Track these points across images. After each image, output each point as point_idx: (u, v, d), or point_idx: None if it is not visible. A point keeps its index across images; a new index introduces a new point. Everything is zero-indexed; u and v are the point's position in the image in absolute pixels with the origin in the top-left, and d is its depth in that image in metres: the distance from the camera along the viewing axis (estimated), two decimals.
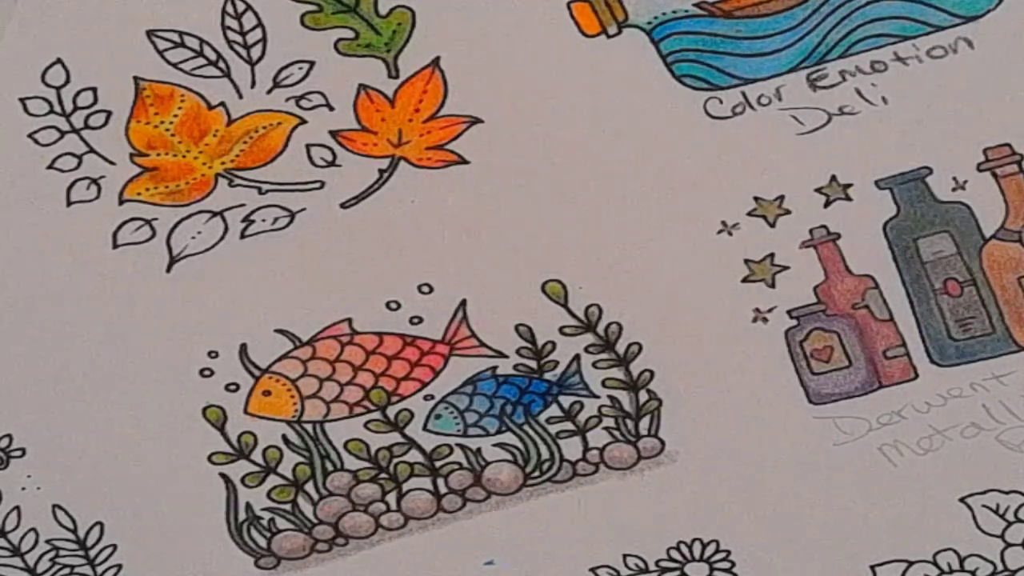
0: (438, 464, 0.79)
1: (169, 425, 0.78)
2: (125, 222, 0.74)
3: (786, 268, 0.75)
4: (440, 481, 0.80)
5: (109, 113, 0.72)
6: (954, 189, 0.73)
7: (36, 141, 0.73)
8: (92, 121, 0.72)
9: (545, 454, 0.79)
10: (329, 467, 0.79)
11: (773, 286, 0.75)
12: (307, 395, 0.78)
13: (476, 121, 0.73)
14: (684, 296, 0.75)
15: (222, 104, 0.72)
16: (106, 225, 0.74)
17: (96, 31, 0.71)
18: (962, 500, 0.78)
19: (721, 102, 0.72)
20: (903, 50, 0.71)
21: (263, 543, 0.81)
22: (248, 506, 0.80)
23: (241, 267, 0.75)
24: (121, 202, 0.74)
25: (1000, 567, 0.79)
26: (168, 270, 0.75)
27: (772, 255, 0.75)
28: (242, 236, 0.75)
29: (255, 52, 0.71)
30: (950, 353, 0.75)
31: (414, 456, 0.79)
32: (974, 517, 0.78)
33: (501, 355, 0.77)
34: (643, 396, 0.77)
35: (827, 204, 0.74)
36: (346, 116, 0.73)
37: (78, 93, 0.72)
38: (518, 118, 0.73)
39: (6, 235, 0.74)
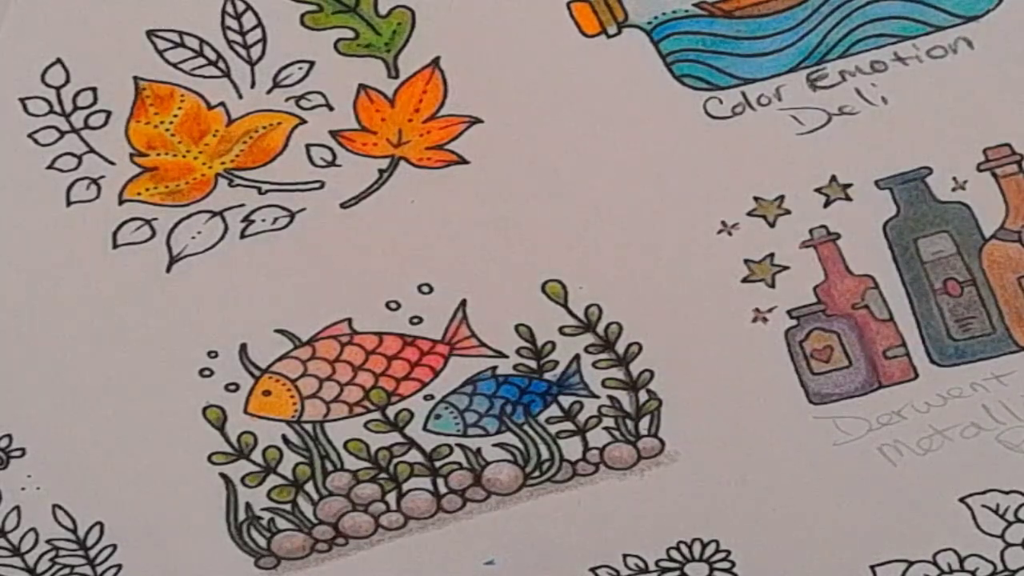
0: (438, 464, 0.79)
1: (169, 425, 0.78)
2: (125, 222, 0.74)
3: (786, 268, 0.75)
4: (440, 481, 0.80)
5: (109, 113, 0.72)
6: (954, 189, 0.73)
7: (36, 141, 0.73)
8: (92, 121, 0.72)
9: (545, 454, 0.79)
10: (329, 467, 0.79)
11: (773, 286, 0.75)
12: (307, 395, 0.78)
13: (476, 121, 0.73)
14: (684, 296, 0.75)
15: (222, 104, 0.72)
16: (106, 225, 0.74)
17: (96, 31, 0.71)
18: (962, 500, 0.78)
19: (721, 102, 0.72)
20: (903, 50, 0.71)
21: (263, 543, 0.81)
22: (248, 506, 0.80)
23: (241, 267, 0.75)
24: (121, 202, 0.74)
25: (1000, 567, 0.79)
26: (168, 270, 0.75)
27: (772, 255, 0.75)
28: (242, 236, 0.75)
29: (255, 52, 0.71)
30: (950, 353, 0.75)
31: (414, 456, 0.79)
32: (974, 517, 0.78)
33: (501, 355, 0.77)
34: (643, 396, 0.77)
35: (827, 204, 0.74)
36: (346, 116, 0.73)
37: (78, 93, 0.72)
38: (518, 118, 0.73)
39: (6, 235, 0.74)
